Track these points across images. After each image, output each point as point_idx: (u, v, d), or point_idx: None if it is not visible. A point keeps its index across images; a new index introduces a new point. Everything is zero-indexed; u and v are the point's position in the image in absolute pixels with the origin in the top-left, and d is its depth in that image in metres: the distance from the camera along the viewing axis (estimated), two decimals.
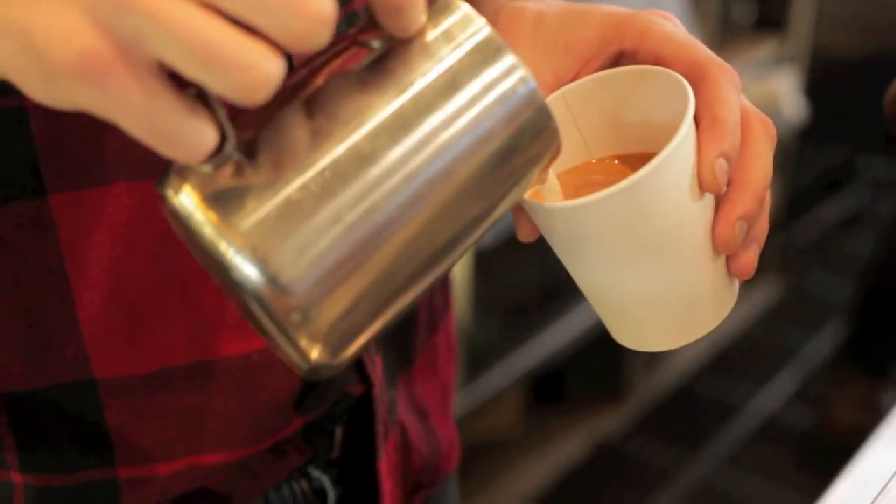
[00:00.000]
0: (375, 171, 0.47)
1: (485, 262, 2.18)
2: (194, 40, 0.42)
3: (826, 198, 3.24)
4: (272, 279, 0.46)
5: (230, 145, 0.46)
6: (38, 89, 0.44)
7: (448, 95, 0.49)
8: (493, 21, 0.65)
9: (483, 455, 2.45)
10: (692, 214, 0.58)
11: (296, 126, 0.47)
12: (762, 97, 2.67)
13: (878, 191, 3.50)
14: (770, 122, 0.61)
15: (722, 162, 0.57)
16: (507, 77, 0.50)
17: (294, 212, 0.46)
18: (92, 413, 0.66)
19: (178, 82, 0.44)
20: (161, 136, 0.44)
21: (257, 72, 0.42)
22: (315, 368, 0.49)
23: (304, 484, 0.77)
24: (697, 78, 0.59)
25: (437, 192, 0.49)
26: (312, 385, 0.72)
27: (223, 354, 0.68)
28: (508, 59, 0.50)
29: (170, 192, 0.47)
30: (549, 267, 2.41)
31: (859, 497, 0.99)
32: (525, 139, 0.51)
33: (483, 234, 0.53)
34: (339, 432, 0.78)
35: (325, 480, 0.78)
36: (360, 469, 0.79)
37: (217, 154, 0.46)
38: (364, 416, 0.77)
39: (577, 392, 2.68)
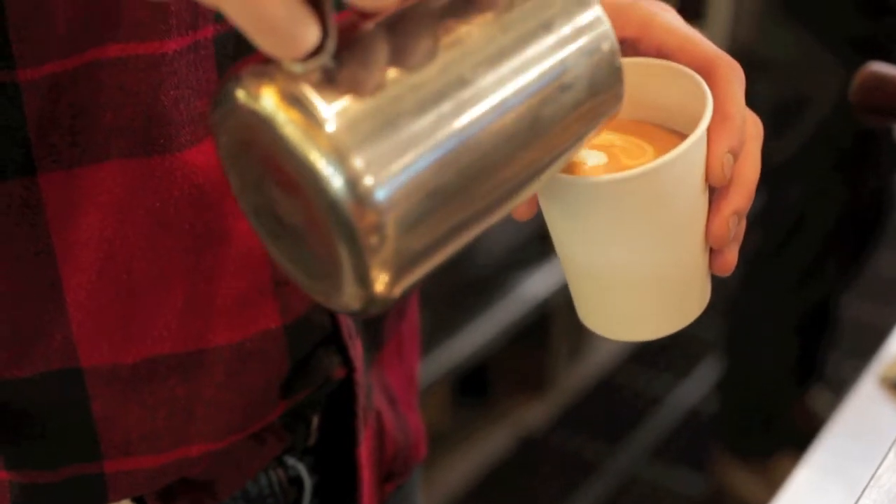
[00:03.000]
0: (466, 93, 0.46)
1: None
2: None
3: None
4: (356, 187, 0.43)
5: (330, 47, 0.43)
6: None
7: (540, 35, 0.50)
8: None
9: None
10: (698, 205, 0.59)
11: (391, 40, 0.45)
12: None
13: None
14: (759, 120, 0.63)
15: (730, 157, 0.59)
16: (593, 29, 0.51)
17: (383, 122, 0.44)
18: (78, 404, 0.65)
19: None
20: (265, 25, 0.41)
21: None
22: (372, 302, 0.46)
23: (281, 473, 0.76)
24: (706, 73, 0.60)
25: (518, 127, 0.49)
26: (299, 370, 0.71)
27: (215, 343, 0.66)
28: (595, 11, 0.51)
29: (241, 94, 0.44)
30: (469, 262, 2.41)
31: (821, 483, 1.01)
32: (598, 95, 0.52)
33: (537, 188, 0.53)
34: (315, 419, 0.76)
35: (302, 468, 0.77)
36: (336, 457, 0.78)
37: (312, 56, 0.43)
38: (342, 402, 0.76)
39: (500, 386, 2.68)
